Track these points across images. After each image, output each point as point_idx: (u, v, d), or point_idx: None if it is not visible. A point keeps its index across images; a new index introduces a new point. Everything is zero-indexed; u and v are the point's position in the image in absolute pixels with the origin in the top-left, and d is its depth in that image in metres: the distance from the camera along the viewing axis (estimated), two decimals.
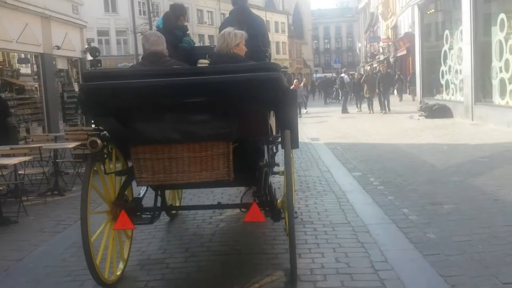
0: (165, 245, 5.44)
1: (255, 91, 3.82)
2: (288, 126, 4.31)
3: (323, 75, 66.02)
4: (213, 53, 4.78)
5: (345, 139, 14.11)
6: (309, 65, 77.42)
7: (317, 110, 27.09)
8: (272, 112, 4.59)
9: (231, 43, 4.52)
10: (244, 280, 4.26)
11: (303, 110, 25.50)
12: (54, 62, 18.15)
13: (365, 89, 23.14)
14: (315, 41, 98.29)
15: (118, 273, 4.41)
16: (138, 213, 4.61)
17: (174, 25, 5.90)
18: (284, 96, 4.07)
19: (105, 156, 4.15)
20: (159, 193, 4.94)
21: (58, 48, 17.78)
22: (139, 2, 42.90)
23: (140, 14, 42.66)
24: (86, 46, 21.58)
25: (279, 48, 65.17)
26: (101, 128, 4.35)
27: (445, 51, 19.91)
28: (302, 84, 27.81)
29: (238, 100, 3.88)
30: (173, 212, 6.24)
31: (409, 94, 29.93)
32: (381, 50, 55.06)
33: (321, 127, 18.80)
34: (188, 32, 6.15)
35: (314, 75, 74.55)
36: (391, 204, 6.57)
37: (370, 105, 23.03)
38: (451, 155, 10.27)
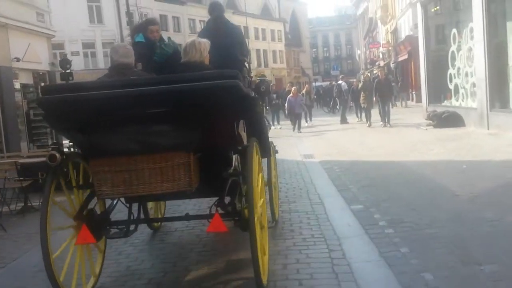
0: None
1: (212, 100, 3.74)
2: (254, 134, 4.64)
3: (322, 83, 64.01)
4: (180, 63, 4.68)
5: (344, 156, 12.07)
6: (307, 74, 75.32)
7: (313, 121, 24.82)
8: (242, 122, 4.54)
9: (203, 53, 4.54)
10: None
11: (305, 123, 22.20)
12: (13, 76, 16.11)
13: (361, 98, 20.01)
14: (314, 50, 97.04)
15: (89, 286, 4.39)
16: (108, 227, 4.56)
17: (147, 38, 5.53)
18: (245, 104, 4.04)
19: (65, 170, 4.12)
20: (137, 205, 4.91)
21: (18, 60, 15.79)
22: (126, 12, 41.09)
23: (128, 25, 40.79)
24: (60, 59, 19.60)
25: (276, 56, 63.37)
26: (60, 142, 4.49)
27: (452, 52, 17.97)
28: (303, 92, 24.18)
29: (196, 109, 3.75)
30: (155, 224, 6.27)
31: (400, 101, 27.53)
32: (381, 56, 53.39)
33: (316, 141, 16.69)
34: (166, 43, 5.59)
35: (313, 83, 72.85)
36: (406, 264, 4.55)
37: (368, 117, 19.73)
38: (474, 176, 8.21)
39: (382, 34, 51.91)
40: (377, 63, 56.13)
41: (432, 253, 4.76)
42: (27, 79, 17.61)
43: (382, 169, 9.70)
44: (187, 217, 5.12)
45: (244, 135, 4.63)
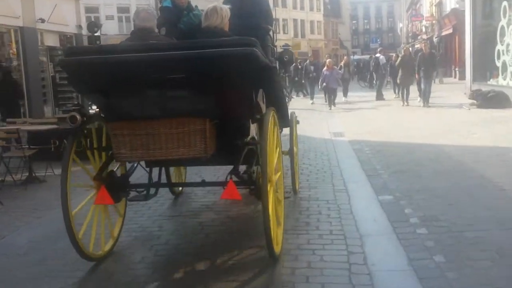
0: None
1: (228, 67, 3.72)
2: (272, 104, 4.69)
3: (361, 56, 61.95)
4: (201, 28, 4.60)
5: (376, 136, 11.11)
6: (346, 46, 73.37)
7: (349, 96, 23.09)
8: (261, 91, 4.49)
9: (225, 19, 4.48)
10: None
11: (341, 98, 20.66)
12: (38, 38, 15.58)
13: (399, 74, 18.01)
14: (354, 21, 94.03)
15: (107, 248, 4.50)
16: (127, 190, 4.68)
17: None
18: (263, 73, 4.02)
19: (85, 132, 4.21)
20: (158, 170, 5.06)
21: (43, 21, 15.23)
22: None
23: None
24: (88, 22, 19.09)
25: (314, 27, 61.54)
26: (82, 104, 4.65)
27: (502, 26, 16.61)
28: (342, 64, 22.26)
29: (212, 76, 3.72)
30: (176, 190, 6.45)
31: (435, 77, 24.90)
32: (424, 30, 51.16)
33: (348, 117, 15.73)
34: (195, 12, 5.31)
35: (352, 56, 71.07)
36: (441, 278, 3.74)
37: (405, 95, 17.80)
38: None
39: (426, 6, 49.71)
40: (419, 37, 54.06)
41: (473, 265, 3.94)
42: (53, 41, 17.11)
43: (417, 153, 8.77)
44: (204, 184, 5.07)
45: (263, 105, 4.56)
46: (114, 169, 4.66)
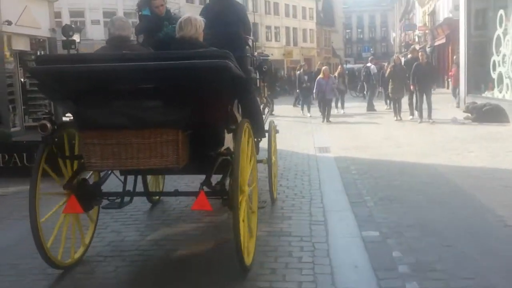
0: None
1: (201, 79, 3.79)
2: (247, 114, 4.88)
3: (354, 65, 61.29)
4: (175, 38, 4.58)
5: (365, 152, 10.18)
6: (338, 55, 71.93)
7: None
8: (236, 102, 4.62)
9: (199, 29, 4.49)
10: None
11: (336, 110, 18.89)
12: (3, 41, 14.51)
13: (390, 86, 16.33)
14: (348, 31, 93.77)
15: (77, 256, 4.48)
16: (99, 198, 4.68)
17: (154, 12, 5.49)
18: (237, 84, 4.05)
19: (56, 140, 4.20)
20: (133, 178, 5.02)
21: (10, 23, 14.23)
22: None
23: None
24: (62, 26, 18.12)
25: (306, 35, 60.55)
26: (52, 112, 4.92)
27: (498, 36, 15.79)
28: (336, 74, 19.95)
29: (185, 87, 3.83)
30: (154, 199, 6.43)
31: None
32: (416, 39, 50.65)
33: (336, 130, 14.77)
34: (173, 26, 5.26)
35: (345, 65, 70.54)
36: None
37: (397, 109, 16.02)
38: None
39: (419, 16, 49.32)
40: (411, 47, 53.50)
41: None
42: (23, 45, 16.12)
43: (409, 174, 7.84)
44: (176, 193, 4.98)
45: (238, 115, 4.57)
46: (87, 177, 4.67)
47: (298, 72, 21.64)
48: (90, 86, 3.80)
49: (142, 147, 3.92)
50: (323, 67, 17.91)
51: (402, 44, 61.11)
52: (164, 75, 3.74)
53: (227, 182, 4.49)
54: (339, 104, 19.86)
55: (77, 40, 21.80)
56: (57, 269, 4.24)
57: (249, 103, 5.06)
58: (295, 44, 58.31)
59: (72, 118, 4.34)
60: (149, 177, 6.14)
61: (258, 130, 5.49)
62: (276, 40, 55.13)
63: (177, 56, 3.88)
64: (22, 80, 16.61)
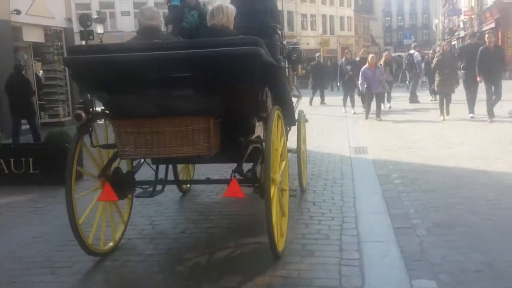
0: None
1: (232, 66, 3.77)
2: (277, 102, 4.80)
3: (394, 54, 58.95)
4: (206, 27, 4.71)
5: (410, 154, 8.57)
6: (378, 43, 69.18)
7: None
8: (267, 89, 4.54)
9: (230, 17, 4.53)
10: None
11: (385, 104, 15.94)
12: (11, 32, 13.42)
13: (436, 79, 13.29)
14: (388, 18, 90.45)
15: (111, 244, 4.57)
16: (133, 186, 4.75)
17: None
18: (268, 72, 4.13)
19: (91, 129, 4.26)
20: (165, 167, 5.13)
21: (19, 13, 13.14)
22: None
23: None
24: (80, 15, 17.07)
25: (344, 23, 57.84)
26: (86, 101, 4.34)
27: None
28: (381, 62, 15.85)
29: (216, 75, 3.77)
30: (184, 187, 6.59)
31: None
32: (461, 25, 48.10)
33: (375, 126, 12.96)
34: (192, 13, 5.49)
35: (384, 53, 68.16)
36: None
37: (445, 106, 13.13)
38: None
39: (465, 1, 46.62)
40: (456, 33, 51.08)
41: None
42: (37, 36, 15.03)
43: (469, 187, 6.22)
44: (208, 181, 4.92)
45: (269, 103, 4.55)
46: (119, 165, 4.65)
47: (340, 61, 19.19)
48: (124, 75, 3.80)
49: (174, 135, 3.98)
50: (370, 55, 14.52)
51: (446, 31, 58.37)
52: (196, 63, 3.73)
53: (258, 170, 4.54)
54: (385, 98, 16.16)
55: (100, 31, 20.89)
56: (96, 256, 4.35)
57: (280, 91, 5.08)
58: (332, 32, 55.94)
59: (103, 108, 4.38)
60: (180, 166, 6.30)
61: (288, 118, 5.53)
62: (312, 29, 53.01)
63: (208, 44, 3.87)
64: (40, 73, 15.63)
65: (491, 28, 34.27)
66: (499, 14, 29.51)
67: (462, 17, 46.96)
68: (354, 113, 15.74)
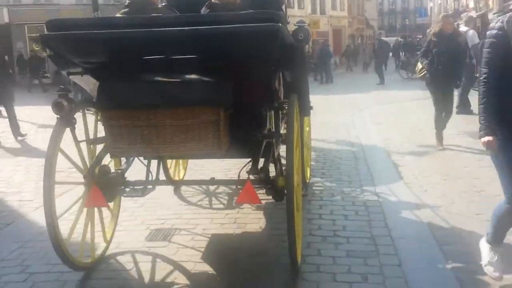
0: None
1: (249, 47, 3.31)
2: (295, 89, 4.28)
3: (388, 38, 54.51)
4: (212, 2, 4.25)
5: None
6: (372, 26, 65.72)
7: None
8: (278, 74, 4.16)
9: None
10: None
11: None
12: None
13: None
14: (379, 0, 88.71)
15: (98, 253, 4.16)
16: (123, 187, 4.25)
17: None
18: (287, 53, 3.71)
19: (75, 121, 3.75)
20: (157, 164, 4.81)
21: None
22: None
23: None
24: None
25: (335, 2, 53.37)
26: (67, 88, 4.02)
27: None
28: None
29: (229, 57, 3.38)
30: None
31: None
32: (471, 5, 42.86)
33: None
34: None
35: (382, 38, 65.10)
36: None
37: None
38: None
39: None
40: (463, 15, 45.94)
41: None
42: None
43: None
44: (212, 182, 4.48)
45: (281, 90, 4.21)
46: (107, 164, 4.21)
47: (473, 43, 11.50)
48: (115, 56, 3.37)
49: (177, 129, 3.49)
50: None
51: (450, 12, 54.28)
52: (205, 43, 3.24)
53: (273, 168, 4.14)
54: None
55: None
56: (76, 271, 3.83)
57: (299, 76, 4.50)
58: (323, 12, 51.33)
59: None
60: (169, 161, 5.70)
61: (304, 107, 4.79)
62: (299, 8, 47.98)
63: (218, 20, 3.39)
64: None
65: None
66: None
67: None
68: None
